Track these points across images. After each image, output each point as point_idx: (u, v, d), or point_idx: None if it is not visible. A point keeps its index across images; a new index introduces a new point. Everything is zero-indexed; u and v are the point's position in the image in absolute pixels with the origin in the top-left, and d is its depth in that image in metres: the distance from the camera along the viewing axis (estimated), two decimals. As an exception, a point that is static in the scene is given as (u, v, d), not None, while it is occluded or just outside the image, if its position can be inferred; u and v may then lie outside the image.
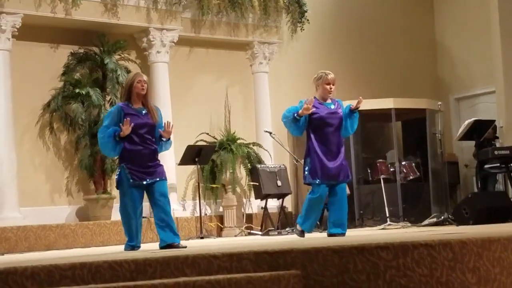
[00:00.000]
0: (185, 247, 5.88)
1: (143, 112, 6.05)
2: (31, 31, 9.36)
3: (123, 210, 6.08)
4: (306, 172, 6.74)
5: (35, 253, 7.86)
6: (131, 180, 5.97)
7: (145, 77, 6.15)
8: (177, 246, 5.92)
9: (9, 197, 8.82)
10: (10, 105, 8.97)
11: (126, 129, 5.89)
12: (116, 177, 6.13)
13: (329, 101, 6.86)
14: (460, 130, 9.71)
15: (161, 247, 5.98)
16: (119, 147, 6.01)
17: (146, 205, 6.29)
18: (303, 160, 6.94)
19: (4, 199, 8.80)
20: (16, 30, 9.08)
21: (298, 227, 6.83)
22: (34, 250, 8.45)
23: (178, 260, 3.98)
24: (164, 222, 5.99)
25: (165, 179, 6.14)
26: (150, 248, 6.19)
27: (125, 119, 5.92)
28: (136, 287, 3.61)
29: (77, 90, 9.44)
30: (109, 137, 6.00)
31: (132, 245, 6.09)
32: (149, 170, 6.01)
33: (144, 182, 5.99)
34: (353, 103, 7.00)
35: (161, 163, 6.19)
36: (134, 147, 5.98)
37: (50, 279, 3.75)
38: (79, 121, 9.40)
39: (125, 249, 6.10)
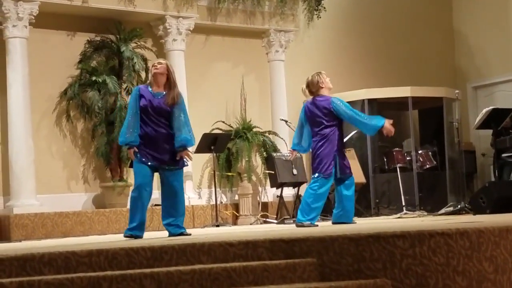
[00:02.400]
0: (190, 234, 5.95)
1: (160, 96, 6.10)
2: (48, 19, 9.38)
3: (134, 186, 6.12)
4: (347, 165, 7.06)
5: (52, 240, 7.92)
6: (137, 158, 6.01)
7: (160, 60, 6.30)
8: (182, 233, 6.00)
9: (26, 184, 8.87)
10: (28, 92, 9.01)
11: (129, 154, 6.09)
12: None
13: None
14: (478, 118, 9.64)
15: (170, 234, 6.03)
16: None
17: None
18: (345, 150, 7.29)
19: (22, 186, 8.86)
20: (33, 17, 9.10)
21: (307, 223, 6.89)
22: (51, 237, 8.51)
23: (194, 247, 3.99)
24: (172, 212, 6.04)
25: (177, 168, 6.08)
26: (160, 236, 6.19)
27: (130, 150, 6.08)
28: (153, 274, 3.63)
29: (93, 78, 9.46)
30: (121, 142, 6.20)
31: (130, 228, 5.96)
32: (156, 154, 5.99)
33: (149, 163, 5.98)
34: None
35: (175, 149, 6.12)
36: (145, 128, 6.03)
37: (67, 266, 3.78)
38: (96, 109, 9.42)
39: (124, 235, 5.99)
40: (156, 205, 8.56)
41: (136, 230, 5.97)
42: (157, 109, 6.04)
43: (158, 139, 6.03)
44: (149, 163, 6.00)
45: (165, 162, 6.03)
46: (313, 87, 7.08)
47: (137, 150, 6.04)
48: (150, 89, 6.15)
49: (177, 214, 6.07)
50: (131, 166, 6.24)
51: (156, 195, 6.91)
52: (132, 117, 6.05)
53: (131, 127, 6.03)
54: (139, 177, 6.02)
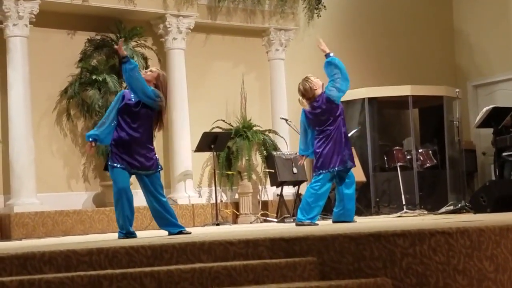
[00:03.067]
0: (190, 232, 5.94)
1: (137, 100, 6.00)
2: (48, 18, 9.38)
3: (113, 192, 6.05)
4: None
5: (53, 238, 7.93)
6: (109, 162, 5.97)
7: (154, 68, 6.29)
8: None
9: (27, 183, 8.88)
10: (28, 91, 9.01)
11: (119, 47, 6.03)
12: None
13: None
14: (478, 117, 9.64)
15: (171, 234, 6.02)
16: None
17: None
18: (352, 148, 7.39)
19: (22, 185, 8.86)
20: (33, 16, 9.10)
21: (307, 222, 6.88)
22: (51, 236, 8.52)
23: (194, 246, 3.99)
24: (159, 213, 6.02)
25: (152, 172, 5.99)
26: (160, 235, 6.19)
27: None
28: (153, 273, 3.63)
29: (94, 77, 9.46)
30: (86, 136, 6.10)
31: (123, 233, 5.98)
32: (129, 158, 5.91)
33: (122, 167, 5.90)
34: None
35: (151, 155, 6.02)
36: (120, 132, 5.96)
37: (68, 264, 3.78)
38: (96, 107, 9.42)
39: (119, 237, 6.00)
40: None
41: (128, 232, 5.97)
42: (132, 112, 5.94)
43: (132, 143, 5.93)
44: (122, 167, 5.91)
45: (138, 167, 5.95)
46: (308, 94, 7.08)
47: (94, 145, 6.02)
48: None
49: (168, 214, 6.03)
50: (105, 169, 6.16)
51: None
52: (106, 116, 6.02)
53: (100, 124, 6.02)
54: (118, 182, 5.94)
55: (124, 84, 9.60)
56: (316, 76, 7.23)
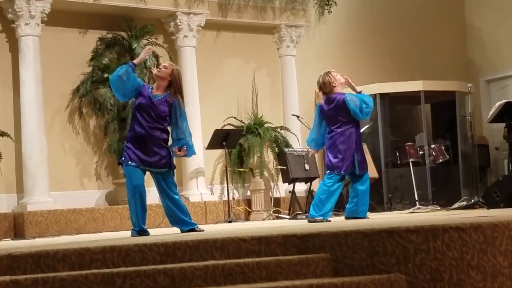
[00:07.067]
0: (203, 230, 5.95)
1: (157, 98, 5.97)
2: (60, 17, 9.42)
3: (127, 189, 6.03)
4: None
5: (66, 236, 7.96)
6: (123, 158, 5.94)
7: (167, 64, 6.20)
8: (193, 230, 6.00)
9: (40, 181, 8.92)
10: (40, 90, 9.05)
11: (145, 52, 6.15)
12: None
13: None
14: (491, 112, 9.59)
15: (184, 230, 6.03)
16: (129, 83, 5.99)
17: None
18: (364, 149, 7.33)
19: (35, 183, 8.90)
20: (45, 15, 9.14)
21: (320, 218, 6.87)
22: (64, 234, 8.56)
23: (207, 243, 4.00)
24: (172, 211, 6.01)
25: (166, 170, 5.98)
26: (172, 232, 6.20)
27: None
28: (166, 270, 3.64)
29: (105, 75, 9.48)
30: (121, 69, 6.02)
31: (136, 230, 5.97)
32: (143, 156, 5.88)
33: (134, 164, 5.86)
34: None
35: (165, 154, 5.98)
36: (137, 128, 5.92)
37: (81, 262, 3.80)
38: (108, 105, 9.45)
39: (131, 235, 5.99)
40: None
41: (141, 230, 5.97)
42: (154, 111, 5.91)
43: (148, 141, 5.91)
44: (134, 164, 5.88)
45: (152, 165, 5.93)
46: (326, 88, 6.99)
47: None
48: (150, 89, 6.04)
49: (181, 212, 6.03)
50: (119, 163, 6.15)
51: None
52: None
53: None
54: (132, 179, 5.90)
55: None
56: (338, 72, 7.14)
